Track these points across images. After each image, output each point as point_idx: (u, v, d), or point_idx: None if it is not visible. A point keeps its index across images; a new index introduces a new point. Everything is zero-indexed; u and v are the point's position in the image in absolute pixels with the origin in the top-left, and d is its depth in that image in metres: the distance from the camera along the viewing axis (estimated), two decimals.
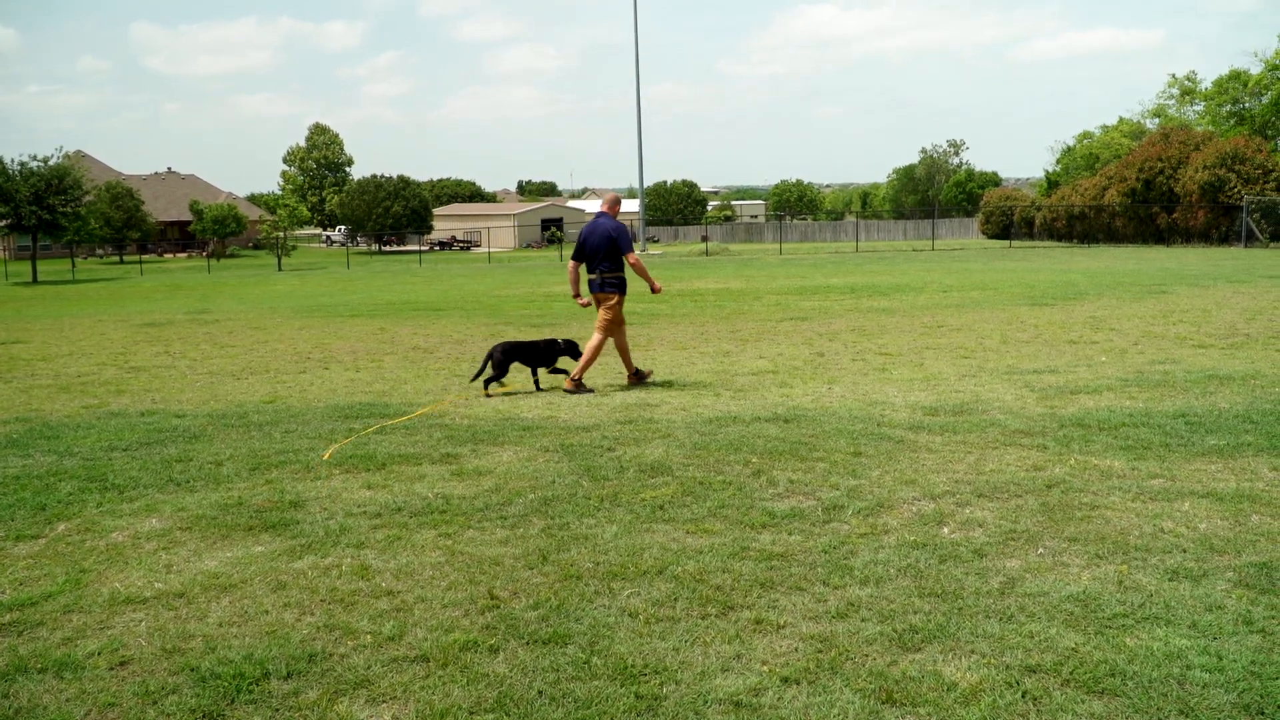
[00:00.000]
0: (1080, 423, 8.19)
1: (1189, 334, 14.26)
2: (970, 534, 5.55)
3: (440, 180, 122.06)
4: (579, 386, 10.42)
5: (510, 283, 34.76)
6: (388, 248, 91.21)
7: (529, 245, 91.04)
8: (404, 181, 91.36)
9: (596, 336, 10.68)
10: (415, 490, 6.66)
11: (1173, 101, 73.74)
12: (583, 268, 10.78)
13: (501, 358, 10.45)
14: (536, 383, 10.75)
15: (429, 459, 7.48)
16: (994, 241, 69.38)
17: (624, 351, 10.97)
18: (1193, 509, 5.87)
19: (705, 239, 75.63)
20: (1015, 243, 63.76)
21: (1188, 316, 16.61)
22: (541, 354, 10.75)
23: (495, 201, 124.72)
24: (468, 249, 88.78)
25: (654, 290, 10.71)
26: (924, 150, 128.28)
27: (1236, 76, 63.13)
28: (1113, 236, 58.33)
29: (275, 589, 4.99)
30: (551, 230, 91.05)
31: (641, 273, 10.55)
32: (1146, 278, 26.78)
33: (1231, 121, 62.96)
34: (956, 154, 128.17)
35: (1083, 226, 61.24)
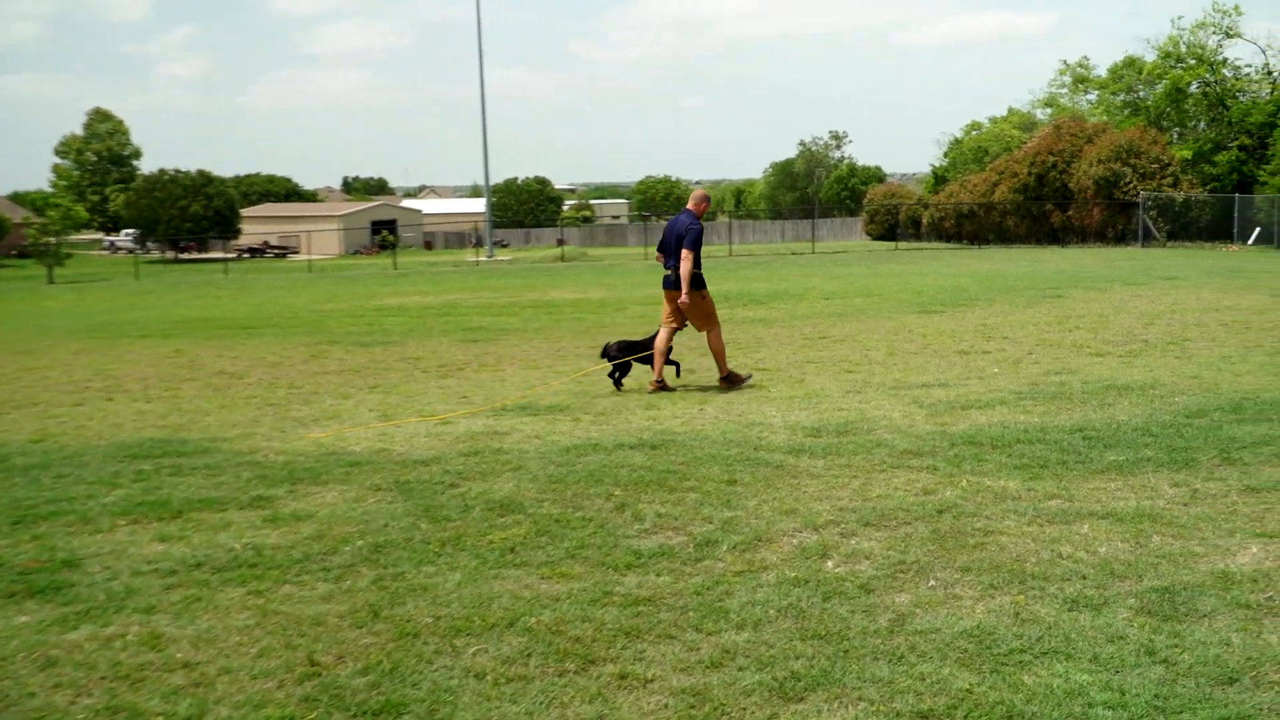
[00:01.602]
0: (972, 440, 8.49)
1: (1085, 341, 14.94)
2: (856, 567, 5.67)
3: (249, 176, 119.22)
4: (733, 376, 11.81)
5: (335, 295, 34.12)
6: (186, 255, 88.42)
7: (357, 251, 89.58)
8: (205, 178, 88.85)
9: (710, 339, 11.83)
10: (219, 541, 6.45)
11: (1065, 90, 77.39)
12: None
13: (615, 349, 11.90)
14: (662, 381, 11.79)
15: (235, 503, 7.26)
16: (879, 243, 71.55)
17: (718, 354, 11.91)
18: (1092, 531, 6.13)
19: (561, 242, 75.88)
20: (902, 244, 65.90)
21: (1084, 322, 17.41)
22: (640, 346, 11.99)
23: (316, 201, 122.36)
24: (284, 256, 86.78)
25: (680, 303, 11.61)
26: (803, 143, 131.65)
27: (1131, 64, 66.65)
28: (1004, 237, 60.81)
29: (43, 667, 4.75)
30: (383, 234, 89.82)
31: (684, 275, 11.49)
32: (1040, 281, 28.01)
33: (1126, 112, 66.38)
34: (838, 147, 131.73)
35: (972, 226, 63.67)
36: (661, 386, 11.76)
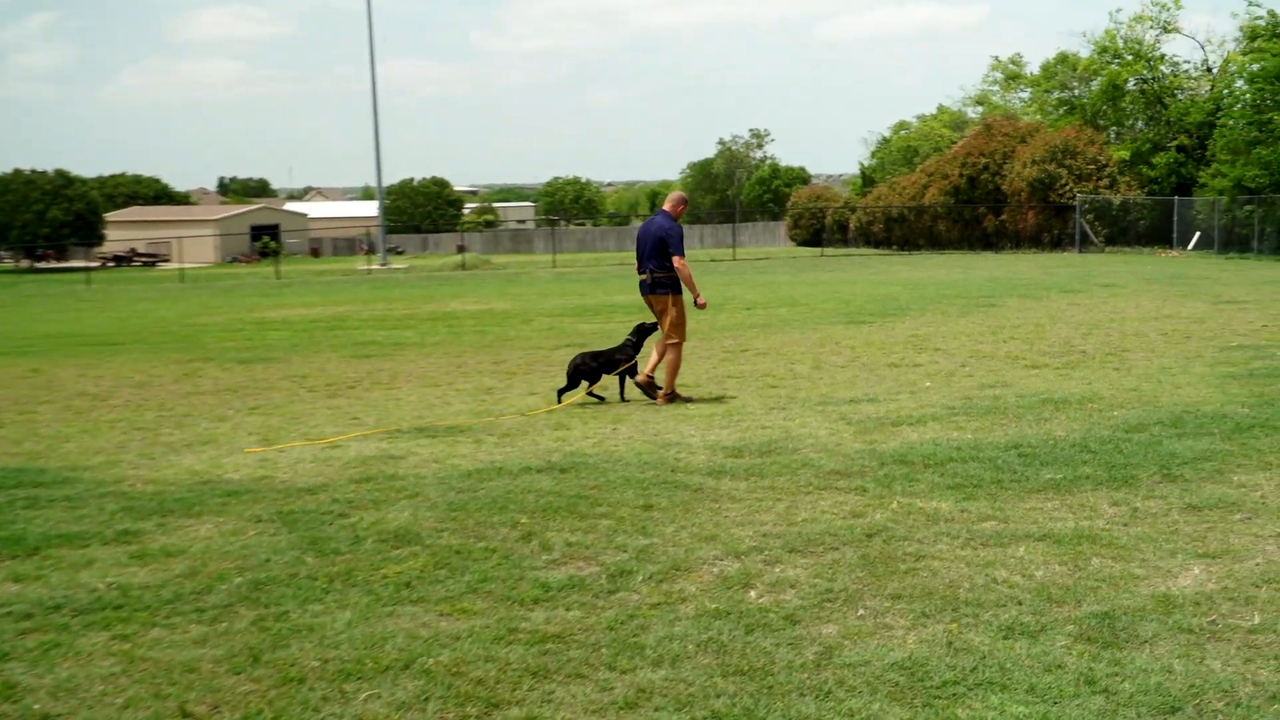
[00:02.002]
0: (903, 459, 8.62)
1: (1021, 352, 15.26)
2: (781, 597, 5.71)
3: (114, 177, 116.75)
4: (673, 397, 12.10)
5: (210, 307, 33.57)
6: (44, 264, 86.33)
7: (235, 259, 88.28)
8: (64, 178, 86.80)
9: (669, 349, 12.24)
10: (80, 580, 6.29)
11: (997, 88, 79.08)
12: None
13: (582, 364, 12.34)
14: (621, 390, 12.49)
15: (99, 539, 7.10)
16: (804, 249, 72.36)
17: (672, 367, 12.24)
18: (1028, 554, 6.25)
19: (462, 249, 75.46)
20: (828, 250, 66.71)
21: (1019, 333, 17.79)
22: (614, 360, 12.49)
23: (189, 204, 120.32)
24: (153, 265, 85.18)
25: (698, 304, 12.35)
26: (722, 142, 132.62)
27: (1064, 60, 68.33)
28: (936, 242, 61.88)
29: None
30: (265, 240, 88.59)
31: (686, 280, 12.15)
32: (974, 289, 28.55)
33: (1061, 110, 67.98)
34: (760, 146, 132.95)
35: (902, 231, 64.69)
36: (673, 397, 12.15)
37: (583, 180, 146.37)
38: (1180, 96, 60.82)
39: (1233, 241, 48.24)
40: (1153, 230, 53.39)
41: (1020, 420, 10.17)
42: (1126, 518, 6.92)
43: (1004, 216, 57.56)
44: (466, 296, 33.82)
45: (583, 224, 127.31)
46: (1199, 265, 39.55)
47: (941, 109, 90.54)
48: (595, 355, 12.60)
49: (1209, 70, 61.15)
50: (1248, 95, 48.23)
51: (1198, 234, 50.29)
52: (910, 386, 12.66)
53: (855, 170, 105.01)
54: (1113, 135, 65.18)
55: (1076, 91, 68.31)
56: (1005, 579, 5.88)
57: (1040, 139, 57.17)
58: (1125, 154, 58.58)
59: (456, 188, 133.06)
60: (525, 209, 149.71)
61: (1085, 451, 8.70)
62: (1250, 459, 8.34)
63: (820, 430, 10.04)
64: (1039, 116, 68.77)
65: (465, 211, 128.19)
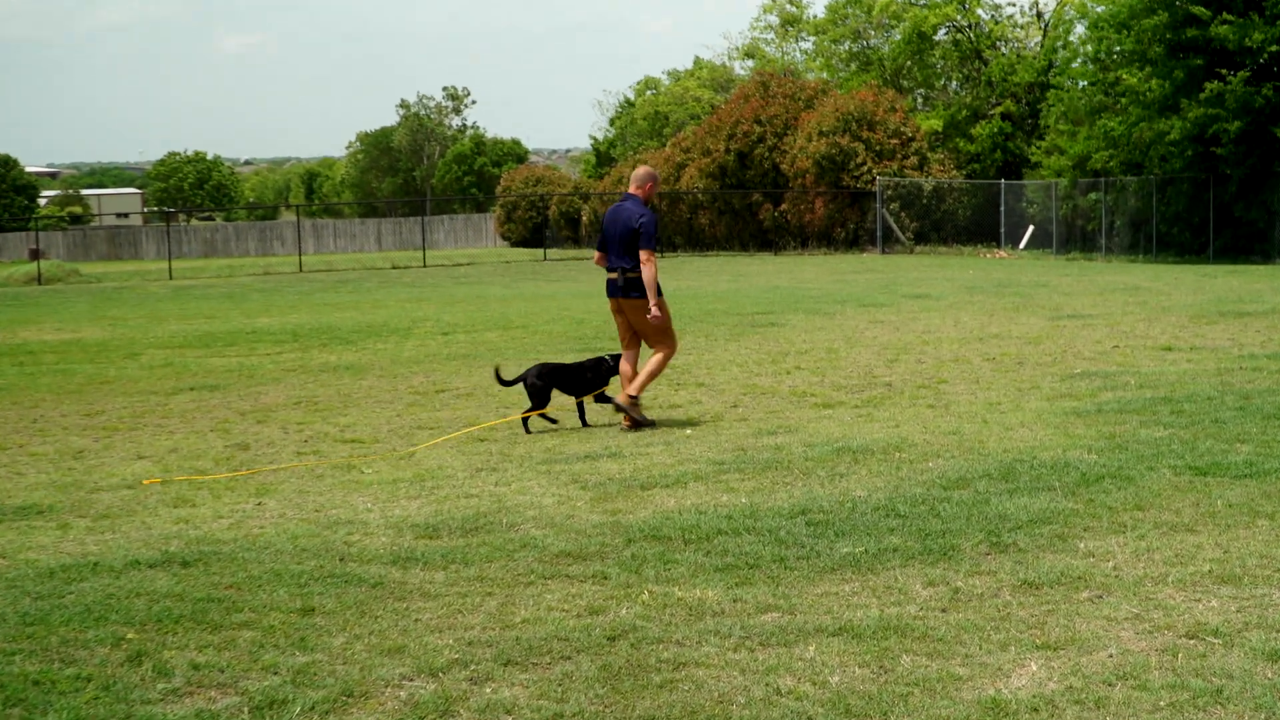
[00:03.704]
0: (656, 534, 8.77)
1: (809, 387, 15.75)
2: None
3: None
4: (632, 406, 13.25)
5: None
6: None
7: None
8: None
9: (656, 356, 13.57)
10: None
11: (771, 35, 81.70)
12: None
13: (539, 383, 13.57)
14: (582, 415, 13.88)
15: None
16: (521, 251, 72.90)
17: (650, 375, 13.53)
18: (821, 655, 6.46)
19: (37, 254, 72.70)
20: (554, 252, 67.26)
21: (807, 360, 18.35)
22: (587, 378, 13.88)
23: None
24: None
25: (650, 314, 13.30)
26: (405, 105, 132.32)
27: (857, 1, 70.99)
28: (696, 240, 63.21)
29: None
30: None
31: (649, 281, 13.25)
32: (748, 303, 29.29)
33: (854, 66, 70.64)
34: (458, 111, 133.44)
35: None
36: (636, 424, 13.23)
37: (210, 158, 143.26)
38: (1004, 50, 63.89)
39: (1075, 238, 50.97)
40: (975, 224, 55.79)
41: (809, 477, 10.50)
42: (945, 601, 7.23)
43: (785, 206, 58.88)
44: (44, 322, 32.62)
45: (211, 218, 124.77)
46: (1033, 269, 41.61)
47: (701, 63, 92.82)
48: (557, 369, 14.04)
49: (1039, 16, 64.48)
50: (1089, 47, 50.71)
51: (1031, 228, 52.88)
52: (665, 435, 12.89)
53: (587, 144, 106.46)
54: (920, 100, 68.02)
55: (873, 42, 71.00)
56: (792, 689, 6.05)
57: (830, 104, 58.77)
58: (937, 124, 61.10)
59: (28, 169, 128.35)
60: (129, 198, 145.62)
61: (892, 516, 9.05)
62: (1099, 520, 8.83)
63: (545, 498, 10.11)
64: (826, 74, 71.11)
65: (41, 202, 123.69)
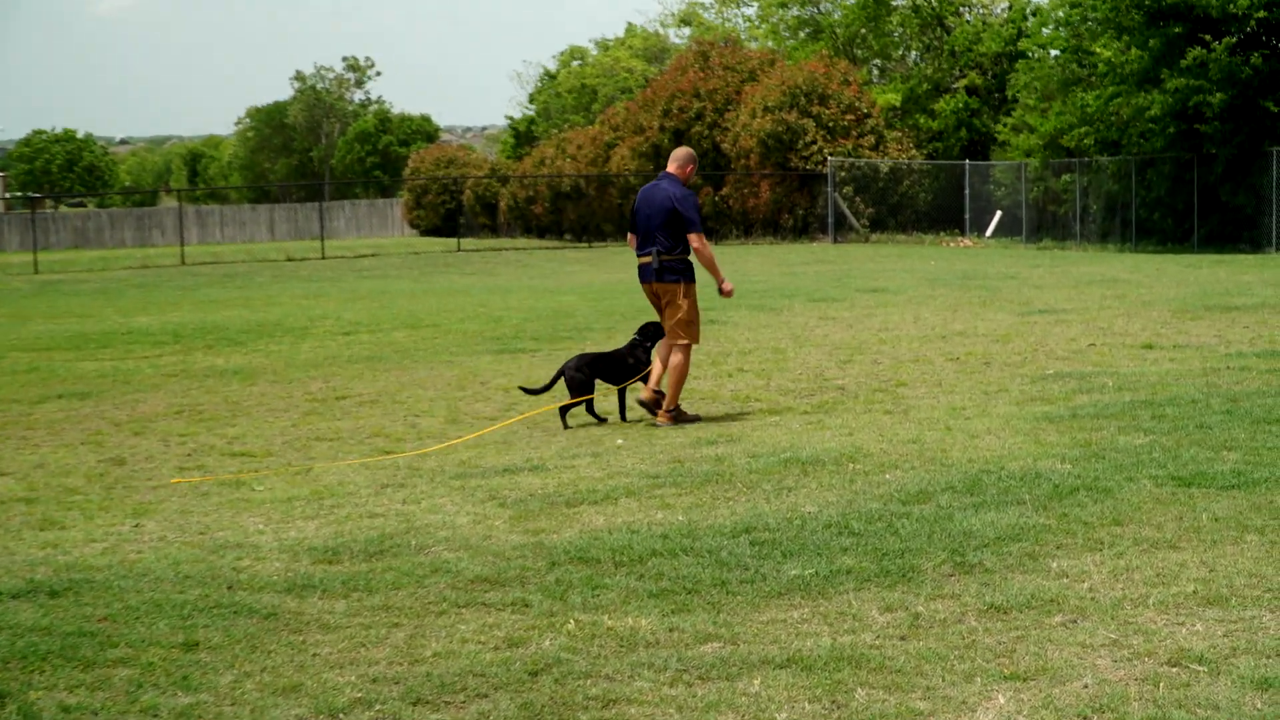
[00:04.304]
0: (583, 556, 8.77)
1: (753, 390, 15.80)
2: None
3: None
4: (679, 415, 14.01)
5: None
6: None
7: None
8: None
9: (676, 351, 14.13)
10: None
11: (710, 1, 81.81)
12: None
13: (579, 375, 14.41)
14: (623, 409, 14.58)
15: None
16: (431, 240, 72.62)
17: (678, 374, 14.15)
18: (766, 689, 6.48)
19: None
20: (468, 242, 67.04)
21: (751, 362, 18.40)
22: (629, 364, 14.68)
23: None
24: None
25: (722, 291, 14.56)
26: (301, 77, 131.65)
27: None
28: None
29: None
30: None
31: (708, 264, 14.15)
32: None
33: (803, 35, 70.82)
34: (360, 85, 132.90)
35: (579, 213, 65.86)
36: (679, 416, 14.05)
37: (81, 136, 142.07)
38: (968, 17, 64.21)
39: (1046, 224, 51.31)
40: (937, 209, 56.07)
41: (753, 491, 10.53)
42: (904, 628, 7.26)
43: (726, 190, 58.96)
44: None
45: (82, 204, 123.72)
46: (1001, 259, 41.86)
47: (633, 31, 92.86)
48: (596, 359, 14.82)
49: None
50: (1061, 13, 51.13)
51: (998, 214, 53.20)
52: (593, 445, 12.90)
53: (505, 121, 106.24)
54: (876, 72, 68.25)
55: (823, 7, 71.21)
56: None
57: (775, 76, 58.83)
58: (895, 99, 61.27)
59: None
60: None
61: (845, 534, 9.07)
62: (1074, 536, 8.89)
63: (460, 516, 10.09)
64: (772, 44, 71.24)
65: None
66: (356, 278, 43.70)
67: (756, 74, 60.19)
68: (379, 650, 7.19)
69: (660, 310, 14.47)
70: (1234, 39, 41.66)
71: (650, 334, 14.72)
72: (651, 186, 14.47)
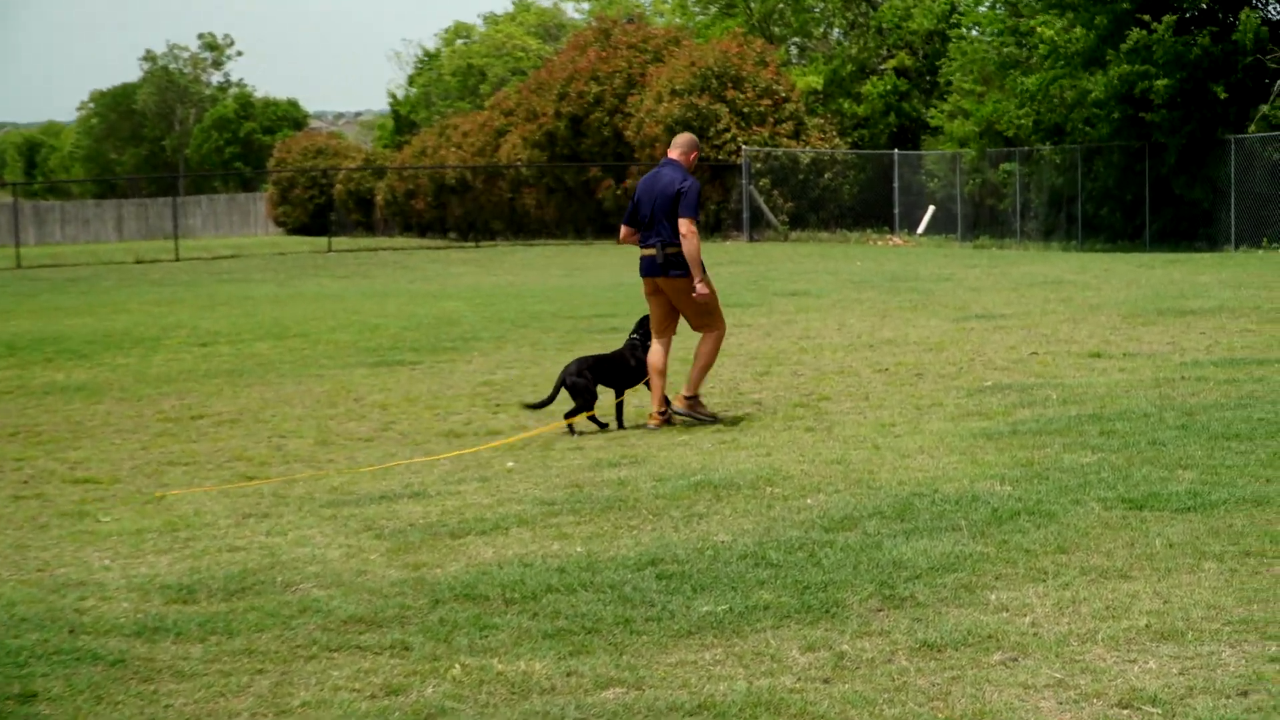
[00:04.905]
0: (470, 592, 8.73)
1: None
2: None
3: None
4: (694, 406, 14.75)
5: None
6: None
7: None
8: None
9: (706, 339, 14.95)
10: None
11: None
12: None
13: (580, 380, 14.73)
14: (620, 416, 15.06)
15: None
16: (298, 240, 72.20)
17: (703, 362, 14.95)
18: None
19: None
20: (341, 242, 66.70)
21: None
22: (631, 366, 15.12)
23: None
24: None
25: (694, 291, 14.63)
26: (151, 57, 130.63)
27: None
28: (522, 227, 63.17)
29: None
30: None
31: (691, 255, 14.53)
32: (584, 303, 29.35)
33: (715, 10, 70.98)
34: (218, 65, 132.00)
35: (465, 209, 65.69)
36: (666, 420, 14.69)
37: None
38: None
39: (984, 220, 51.65)
40: (864, 204, 56.32)
41: (660, 519, 10.52)
42: (828, 669, 7.26)
43: (630, 182, 58.80)
44: None
45: None
46: (934, 259, 42.11)
47: (525, 5, 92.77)
48: (598, 362, 15.17)
49: None
50: None
51: (931, 209, 53.50)
52: (481, 469, 12.86)
53: (383, 107, 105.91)
54: (795, 52, 68.47)
55: None
56: None
57: (684, 56, 58.83)
58: (816, 81, 61.46)
59: None
60: None
61: (763, 565, 9.08)
62: (1014, 565, 8.93)
63: (330, 550, 10.03)
64: (680, 19, 71.36)
65: None
66: (215, 282, 43.38)
67: (663, 54, 60.20)
68: (240, 700, 7.13)
69: (664, 309, 14.98)
70: (1175, 16, 41.78)
71: (650, 330, 15.18)
72: (653, 174, 14.94)
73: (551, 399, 14.96)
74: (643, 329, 15.25)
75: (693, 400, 14.70)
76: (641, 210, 14.79)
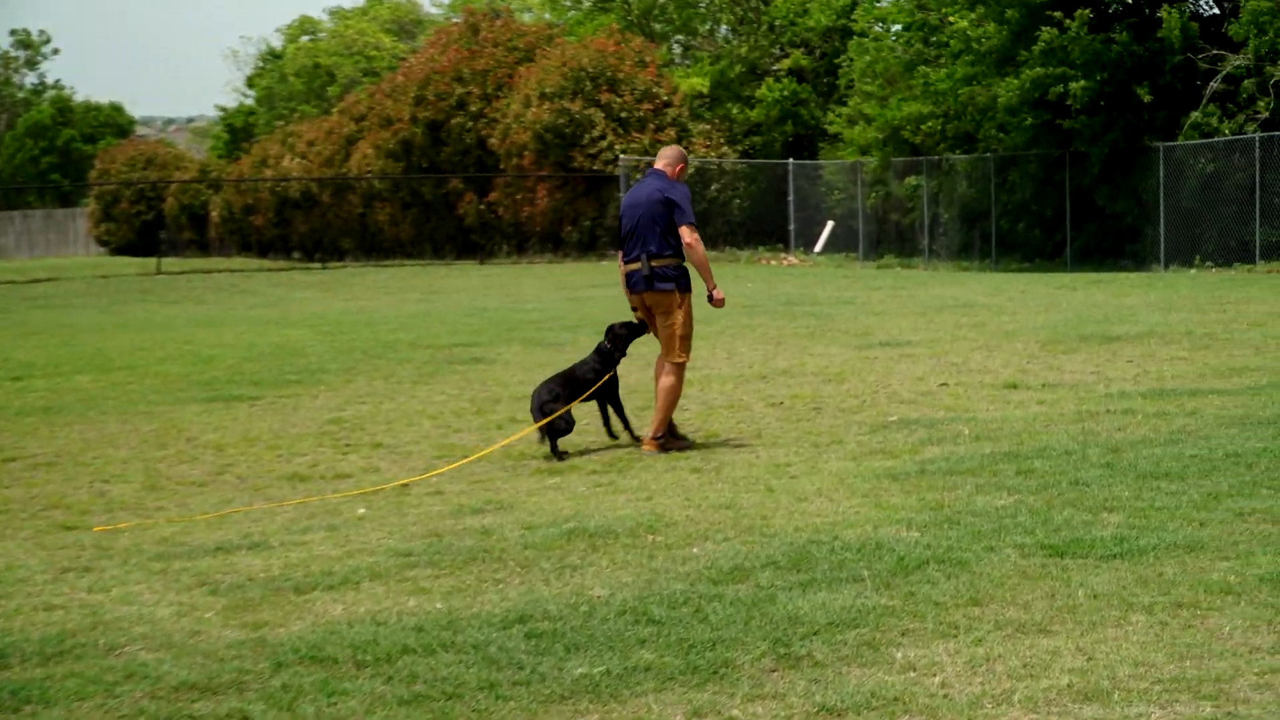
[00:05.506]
0: (317, 654, 8.67)
1: (528, 446, 15.73)
2: None
3: None
4: (670, 440, 15.21)
5: None
6: None
7: None
8: None
9: (668, 371, 15.19)
10: None
11: None
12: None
13: (556, 405, 15.07)
14: (607, 426, 15.82)
15: None
16: (124, 260, 71.59)
17: (668, 397, 15.22)
18: None
19: None
20: (171, 263, 66.18)
21: (525, 409, 18.28)
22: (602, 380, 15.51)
23: None
24: None
25: (713, 299, 15.37)
26: None
27: None
28: (374, 246, 62.88)
29: None
30: None
31: (699, 263, 14.98)
32: (445, 331, 29.29)
33: (589, 4, 71.00)
34: (32, 65, 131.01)
35: (311, 226, 65.33)
36: (668, 443, 15.18)
37: None
38: None
39: (889, 238, 51.99)
40: (755, 219, 56.48)
41: (529, 571, 10.49)
42: None
43: (495, 196, 58.84)
44: None
45: None
46: (834, 280, 42.31)
47: (376, 0, 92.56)
48: (567, 379, 15.59)
49: None
50: None
51: (830, 225, 53.74)
52: (329, 516, 12.80)
53: (217, 112, 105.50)
54: (679, 51, 68.65)
55: None
56: None
57: (555, 55, 58.83)
58: (702, 84, 61.66)
59: None
60: None
61: (644, 622, 9.07)
62: (923, 620, 8.97)
63: (160, 608, 9.93)
64: (550, 14, 71.42)
65: None
66: (29, 308, 42.96)
67: (533, 53, 60.14)
68: None
69: (652, 324, 15.42)
70: (1090, 11, 42.00)
71: (629, 335, 15.67)
72: (637, 186, 15.49)
73: (543, 436, 15.19)
74: (615, 337, 15.62)
75: (664, 439, 15.09)
76: (624, 225, 15.16)
